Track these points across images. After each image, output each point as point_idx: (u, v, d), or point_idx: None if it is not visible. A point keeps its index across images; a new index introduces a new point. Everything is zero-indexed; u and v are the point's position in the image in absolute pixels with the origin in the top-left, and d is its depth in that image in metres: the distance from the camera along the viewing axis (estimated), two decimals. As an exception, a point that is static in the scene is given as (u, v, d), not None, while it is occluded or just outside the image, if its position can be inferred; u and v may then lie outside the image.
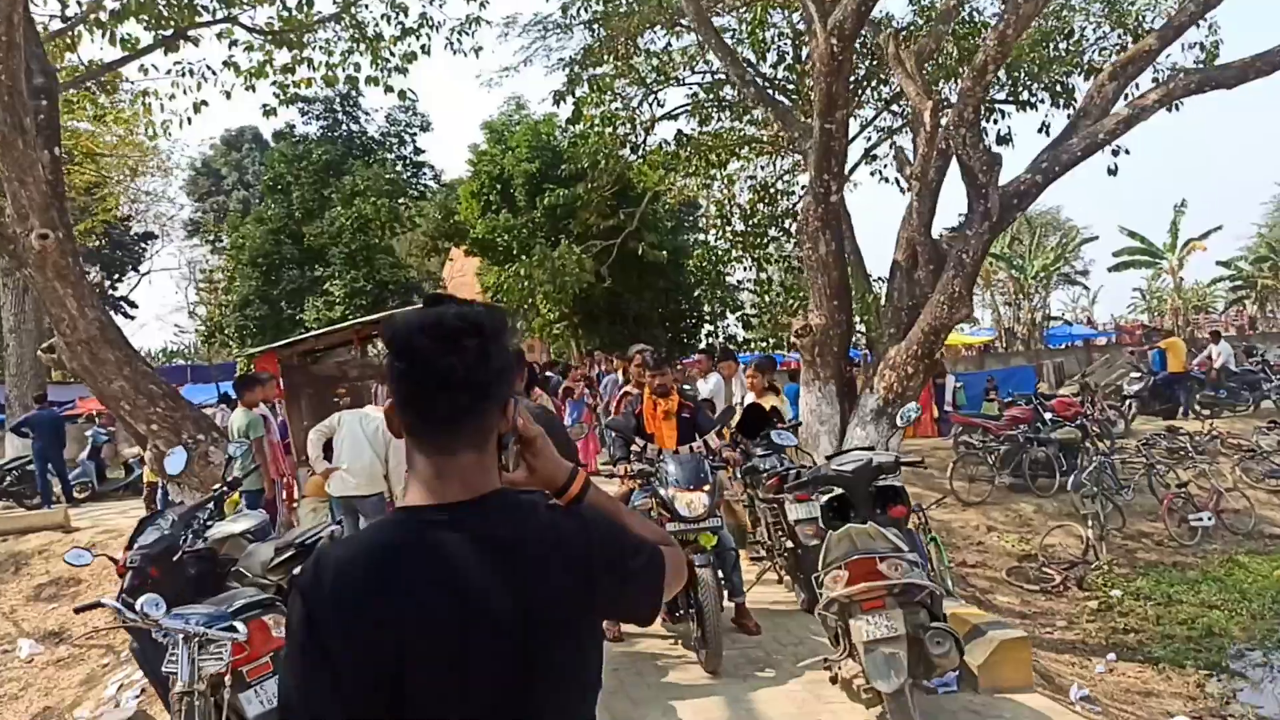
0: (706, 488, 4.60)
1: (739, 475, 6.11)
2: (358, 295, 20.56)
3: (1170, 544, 9.27)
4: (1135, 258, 33.21)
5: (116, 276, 27.65)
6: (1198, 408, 13.07)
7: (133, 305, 28.80)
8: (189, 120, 10.98)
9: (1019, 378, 16.24)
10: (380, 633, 1.06)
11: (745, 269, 18.43)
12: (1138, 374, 13.58)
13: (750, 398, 7.19)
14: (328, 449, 6.08)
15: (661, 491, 4.65)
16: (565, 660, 1.15)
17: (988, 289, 31.71)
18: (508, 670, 1.10)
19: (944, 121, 6.96)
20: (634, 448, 5.03)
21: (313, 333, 10.57)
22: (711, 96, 15.95)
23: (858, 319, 15.47)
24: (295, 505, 7.35)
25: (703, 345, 20.24)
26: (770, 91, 16.52)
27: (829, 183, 7.23)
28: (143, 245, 28.79)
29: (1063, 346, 27.92)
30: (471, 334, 1.13)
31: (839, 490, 4.25)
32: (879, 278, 16.65)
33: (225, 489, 4.84)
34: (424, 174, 22.62)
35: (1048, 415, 11.40)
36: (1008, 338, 31.82)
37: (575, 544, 1.17)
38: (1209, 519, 9.35)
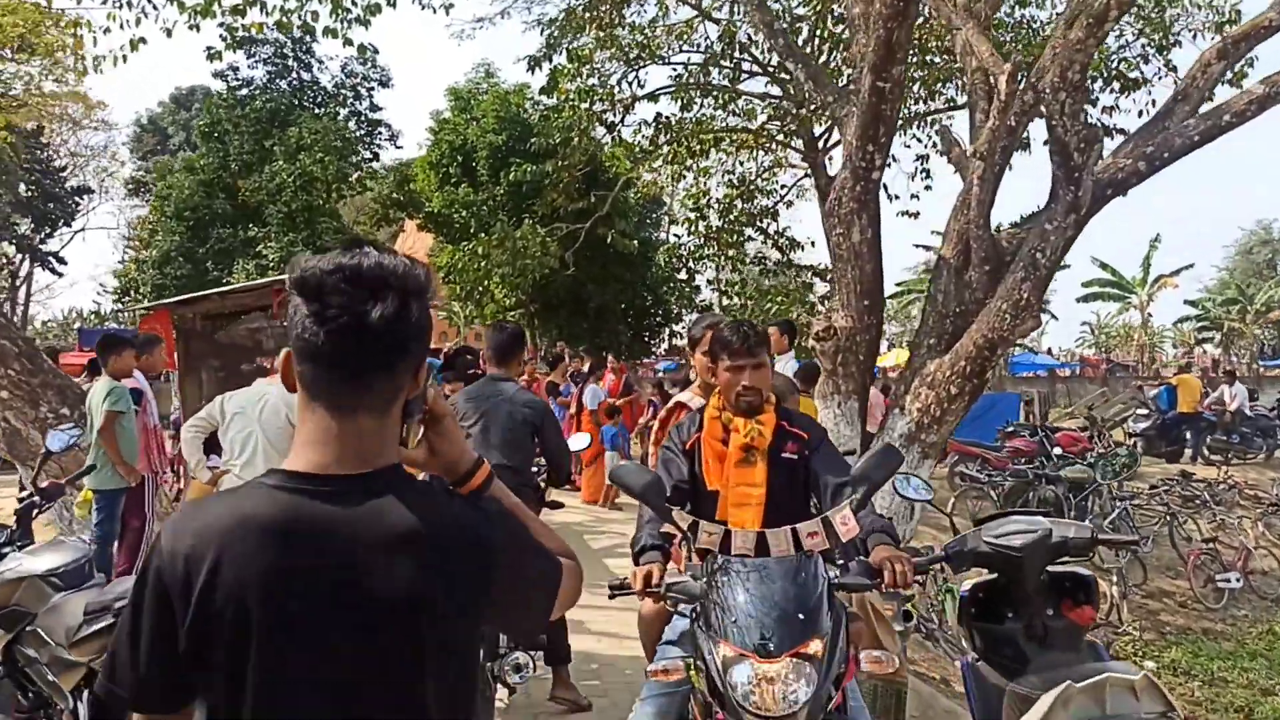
0: (814, 648, 2.04)
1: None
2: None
3: (1196, 606, 8.41)
4: (1105, 290, 33.01)
5: (47, 230, 25.27)
6: (1207, 452, 12.15)
7: (61, 261, 26.69)
8: (124, 58, 9.95)
9: (1002, 405, 15.18)
10: (232, 609, 0.99)
11: (718, 268, 17.12)
12: (1145, 411, 12.62)
13: None
14: (214, 446, 4.75)
15: (708, 650, 2.09)
16: (453, 661, 1.07)
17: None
18: (390, 667, 1.02)
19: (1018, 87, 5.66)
20: (676, 528, 2.32)
21: (218, 289, 8.69)
22: (696, 80, 15.23)
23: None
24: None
25: (665, 346, 18.91)
26: (773, 70, 15.37)
27: (873, 155, 6.01)
28: (76, 199, 26.46)
29: (1027, 375, 27.33)
30: (391, 284, 1.05)
31: (993, 575, 2.73)
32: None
33: (37, 499, 3.22)
34: (380, 133, 20.96)
35: (1055, 450, 10.18)
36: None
37: (476, 537, 1.09)
38: (1237, 580, 8.38)
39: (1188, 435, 12.94)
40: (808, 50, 14.77)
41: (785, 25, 8.61)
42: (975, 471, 10.32)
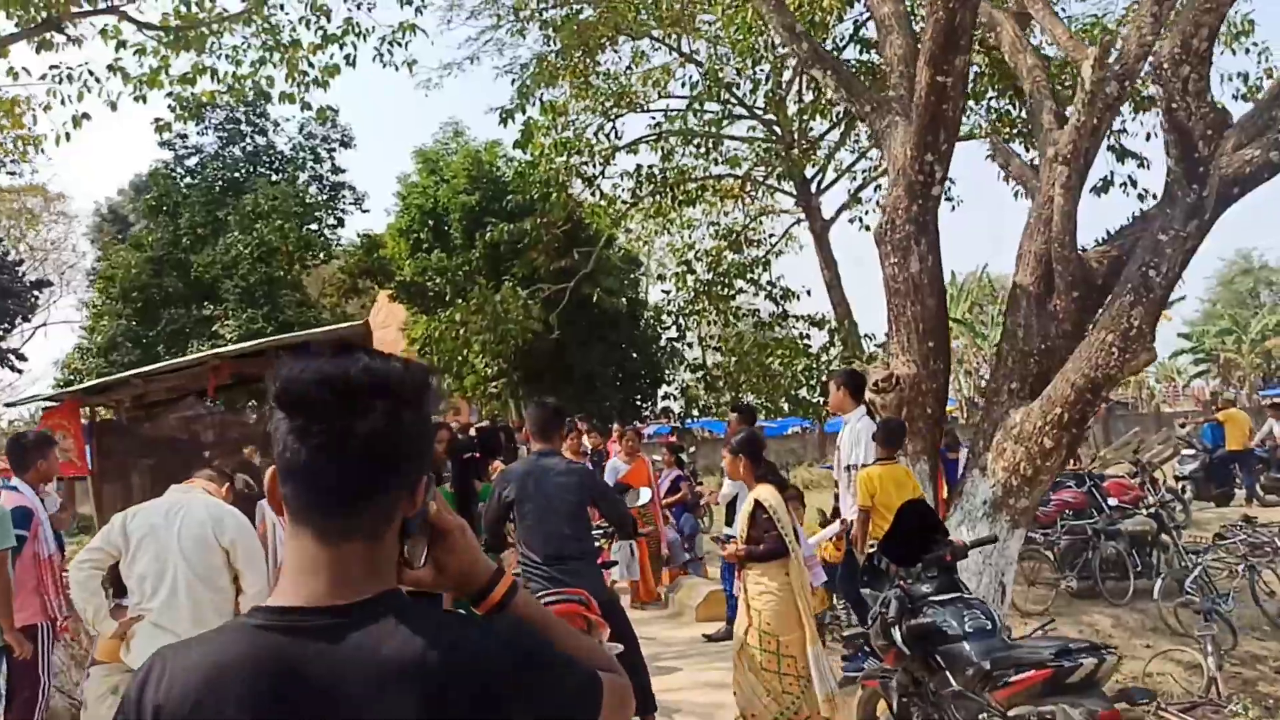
0: None
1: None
2: (255, 339, 17.22)
3: (1296, 670, 7.17)
4: None
5: (5, 327, 24.09)
6: (1261, 492, 11.18)
7: (21, 358, 25.37)
8: (67, 136, 9.79)
9: None
10: None
11: (710, 323, 16.35)
12: (1191, 451, 11.67)
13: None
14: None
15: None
16: None
17: (951, 356, 30.43)
18: None
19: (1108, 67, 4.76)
20: None
21: (139, 370, 7.31)
22: (678, 125, 14.97)
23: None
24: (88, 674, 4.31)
25: (660, 407, 18.02)
26: (759, 110, 14.86)
27: (932, 167, 5.15)
28: (35, 294, 25.48)
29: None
30: (381, 393, 0.99)
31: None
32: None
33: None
34: (343, 197, 19.94)
35: (1110, 500, 9.23)
36: (969, 407, 30.55)
37: (484, 668, 1.00)
38: (1336, 635, 7.21)
39: (1238, 475, 11.93)
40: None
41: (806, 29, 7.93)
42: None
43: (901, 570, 3.90)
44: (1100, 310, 5.14)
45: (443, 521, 1.08)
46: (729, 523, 6.53)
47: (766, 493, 4.51)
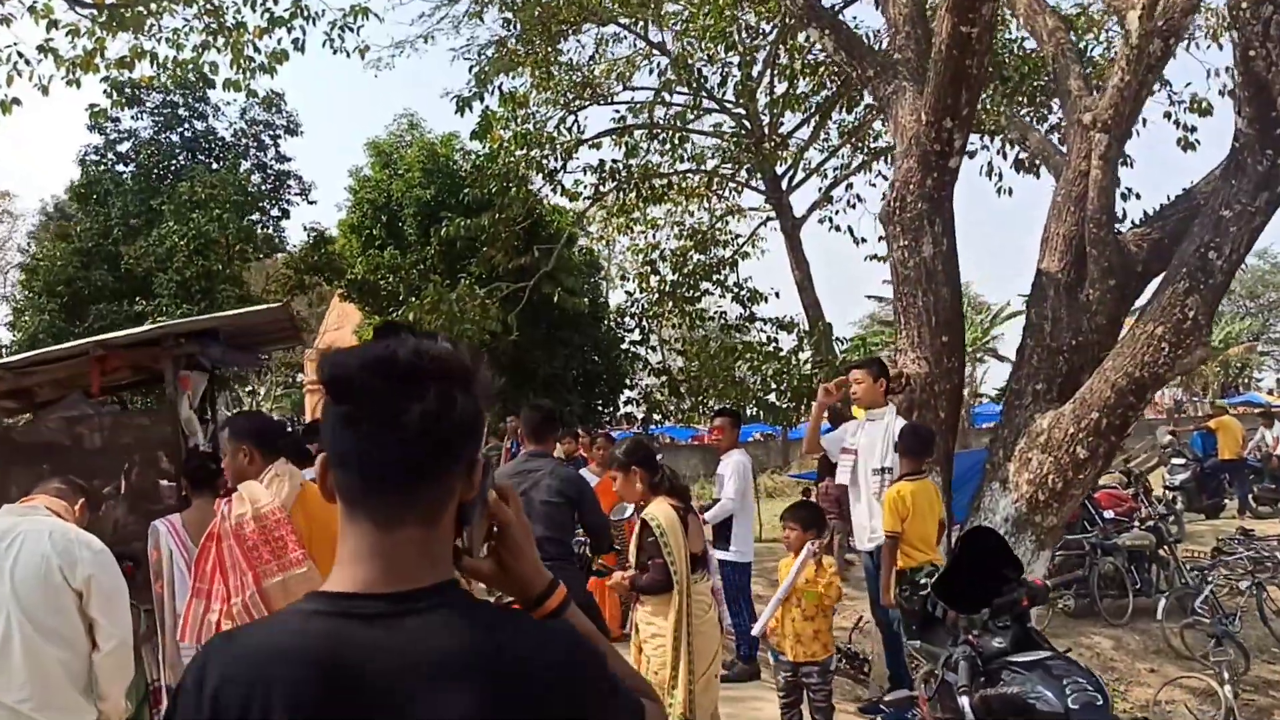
0: None
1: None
2: (189, 338, 16.14)
3: (1309, 694, 6.78)
4: None
5: None
6: (1254, 503, 10.84)
7: None
8: None
9: (977, 459, 13.90)
10: None
11: (674, 325, 15.84)
12: (1181, 460, 11.27)
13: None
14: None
15: None
16: None
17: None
18: None
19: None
20: None
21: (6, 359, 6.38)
22: (644, 118, 14.33)
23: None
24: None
25: (622, 411, 17.48)
26: (729, 103, 14.32)
27: (950, 134, 4.56)
28: None
29: (990, 426, 26.13)
30: (431, 374, 0.99)
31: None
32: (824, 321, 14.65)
33: None
34: (289, 187, 18.76)
35: (1106, 513, 8.77)
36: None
37: (537, 672, 0.98)
38: (1352, 656, 6.84)
39: (1229, 485, 11.55)
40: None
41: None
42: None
43: (963, 619, 3.11)
44: (1143, 300, 4.53)
45: (503, 515, 1.09)
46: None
47: (657, 510, 3.77)
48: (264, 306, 5.39)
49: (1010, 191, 10.94)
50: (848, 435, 5.12)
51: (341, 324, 18.02)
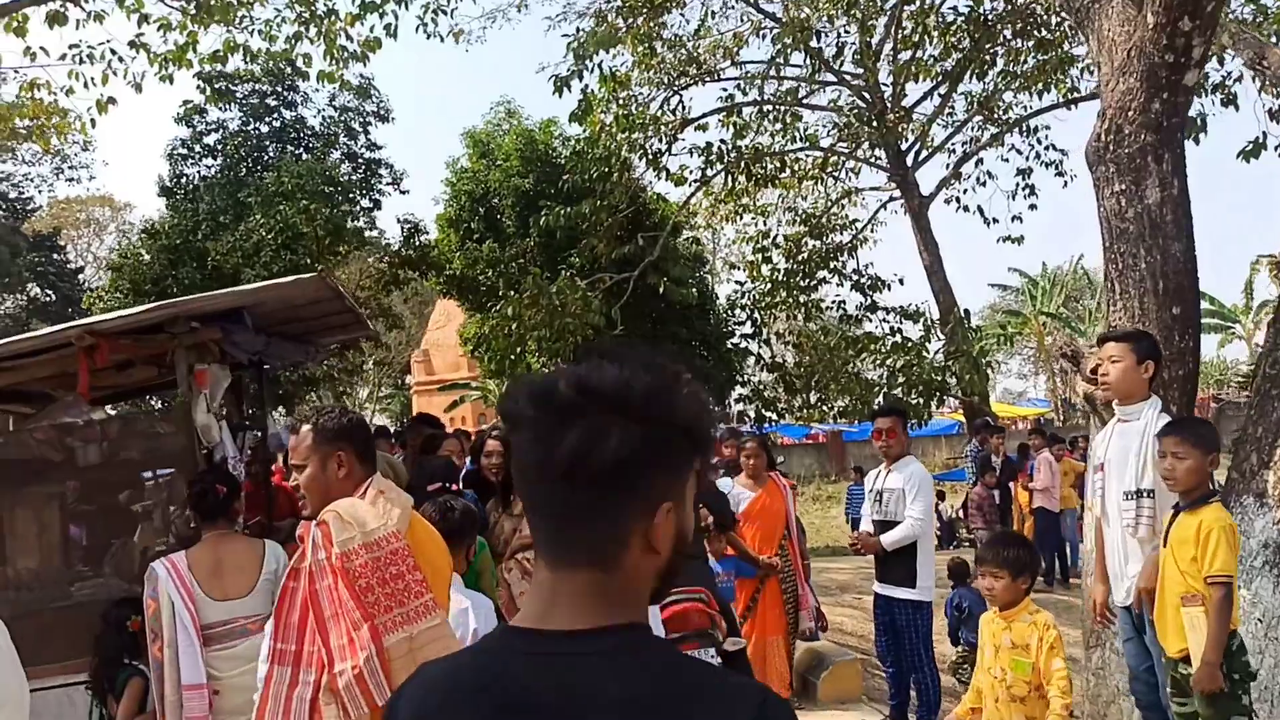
0: None
1: None
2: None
3: None
4: (1204, 321, 31.76)
5: None
6: None
7: None
8: (93, 123, 9.94)
9: None
10: None
11: (790, 316, 16.06)
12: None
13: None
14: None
15: None
16: None
17: (1044, 355, 30.16)
18: None
19: None
20: None
21: None
22: (754, 93, 14.65)
23: (956, 367, 13.26)
24: None
25: (733, 410, 17.87)
26: (849, 75, 14.32)
27: (1188, 39, 4.38)
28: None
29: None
30: (592, 402, 0.99)
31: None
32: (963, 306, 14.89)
33: None
34: (380, 176, 19.30)
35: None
36: (1065, 409, 29.97)
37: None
38: None
39: None
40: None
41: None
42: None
43: None
44: None
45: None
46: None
47: None
48: (295, 278, 4.62)
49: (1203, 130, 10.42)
50: (1095, 444, 4.31)
51: (445, 322, 18.55)
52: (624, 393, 0.98)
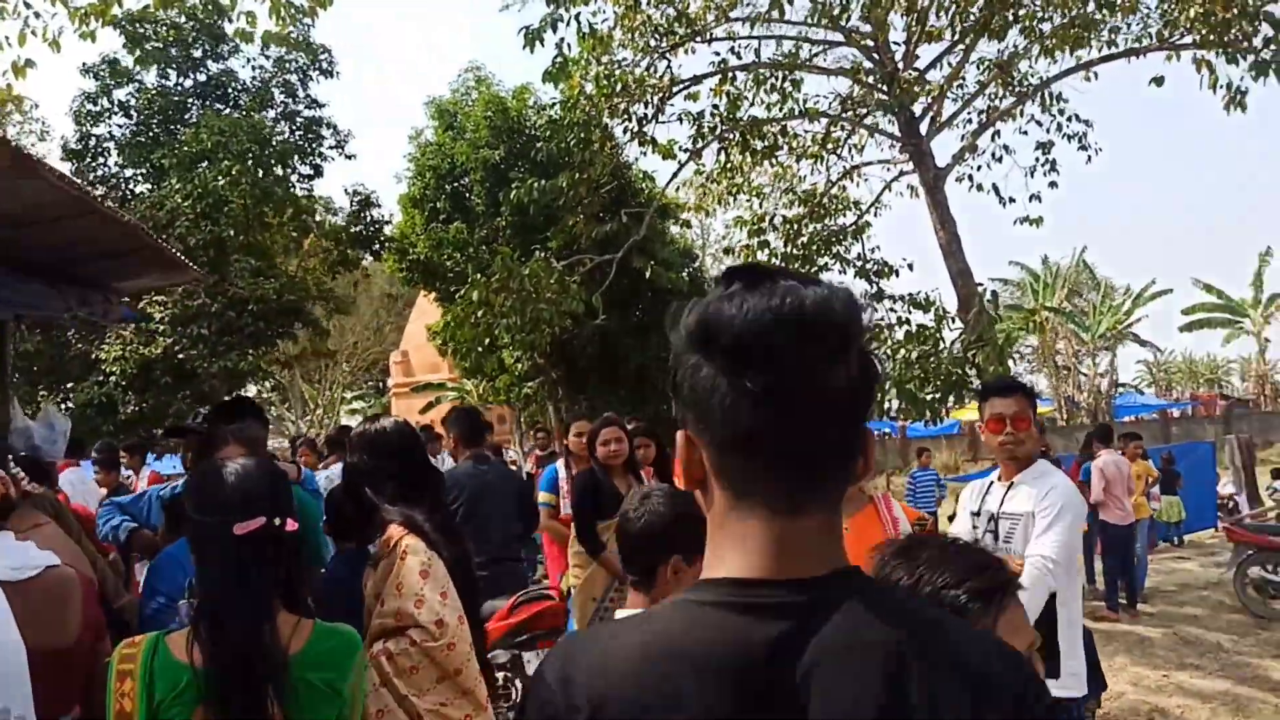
0: None
1: None
2: (197, 319, 16.83)
3: None
4: (1211, 315, 33.82)
5: None
6: None
7: None
8: (7, 87, 9.63)
9: (1194, 456, 15.85)
10: None
11: None
12: None
13: None
14: None
15: None
16: None
17: (1046, 351, 31.35)
18: None
19: None
20: None
21: None
22: (747, 58, 14.80)
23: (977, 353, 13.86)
24: None
25: None
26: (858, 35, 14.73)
27: None
28: None
29: (1132, 419, 27.22)
30: (850, 331, 1.00)
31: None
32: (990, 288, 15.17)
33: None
34: (322, 138, 19.14)
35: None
36: (1069, 407, 31.21)
37: (1016, 689, 1.01)
38: None
39: None
40: None
41: None
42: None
43: None
44: None
45: None
46: None
47: None
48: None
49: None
50: None
51: (421, 318, 18.58)
52: (859, 310, 1.01)
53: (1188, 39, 12.51)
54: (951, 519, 5.16)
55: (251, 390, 21.51)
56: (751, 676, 0.96)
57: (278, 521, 2.19)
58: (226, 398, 10.27)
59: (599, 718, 0.97)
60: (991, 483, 4.20)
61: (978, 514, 4.17)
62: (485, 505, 5.44)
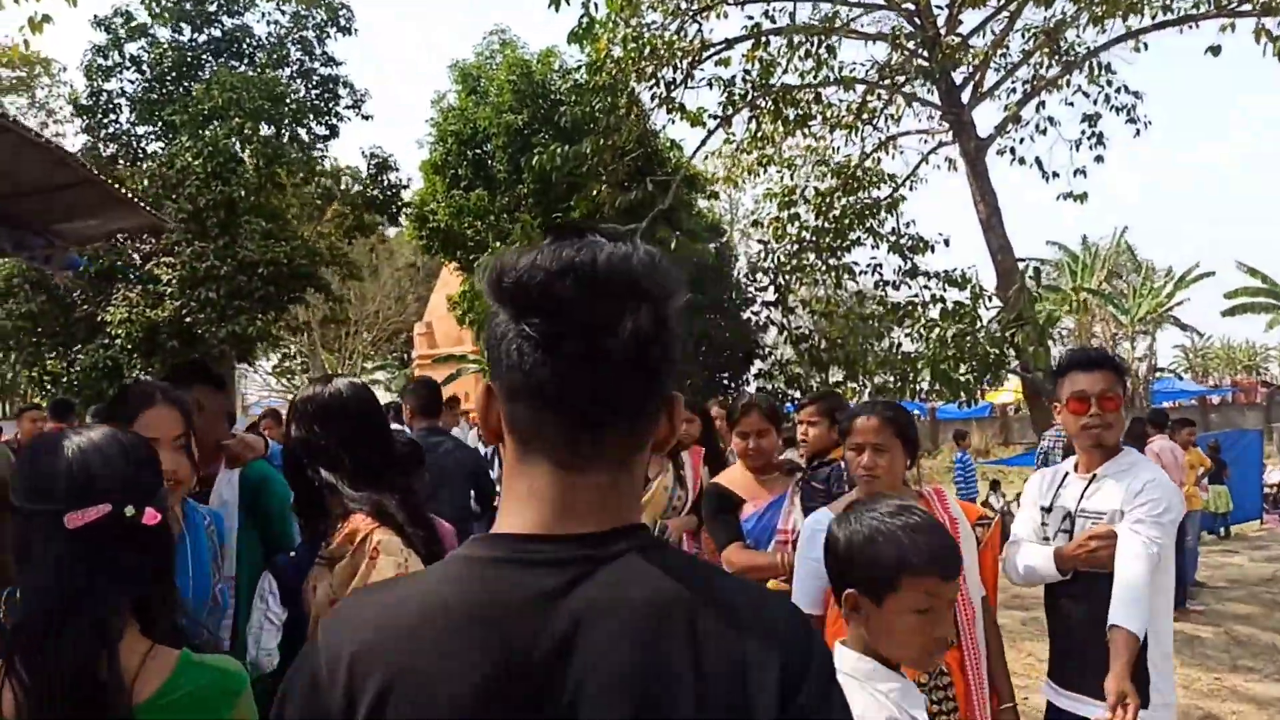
0: None
1: None
2: (205, 281, 16.90)
3: None
4: (1255, 300, 33.84)
5: None
6: None
7: None
8: (25, 44, 9.85)
9: (1243, 444, 16.05)
10: None
11: (816, 283, 16.59)
12: None
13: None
14: None
15: None
16: None
17: (1083, 334, 31.24)
18: None
19: None
20: None
21: None
22: (782, 22, 14.68)
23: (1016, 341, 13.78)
24: None
25: (753, 385, 18.32)
26: None
27: None
28: None
29: (1171, 405, 27.15)
30: (644, 286, 1.03)
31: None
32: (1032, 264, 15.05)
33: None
34: (338, 97, 19.15)
35: None
36: (1107, 393, 31.04)
37: (790, 641, 1.05)
38: None
39: None
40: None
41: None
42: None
43: None
44: None
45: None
46: None
47: None
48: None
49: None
50: None
51: (443, 289, 18.80)
52: (666, 272, 1.05)
53: (1246, 5, 12.37)
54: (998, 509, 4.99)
55: (272, 361, 21.71)
56: (518, 631, 0.98)
57: (129, 511, 1.67)
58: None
59: (357, 691, 0.97)
60: (1066, 474, 3.70)
61: (1049, 510, 3.67)
62: (435, 478, 5.41)
